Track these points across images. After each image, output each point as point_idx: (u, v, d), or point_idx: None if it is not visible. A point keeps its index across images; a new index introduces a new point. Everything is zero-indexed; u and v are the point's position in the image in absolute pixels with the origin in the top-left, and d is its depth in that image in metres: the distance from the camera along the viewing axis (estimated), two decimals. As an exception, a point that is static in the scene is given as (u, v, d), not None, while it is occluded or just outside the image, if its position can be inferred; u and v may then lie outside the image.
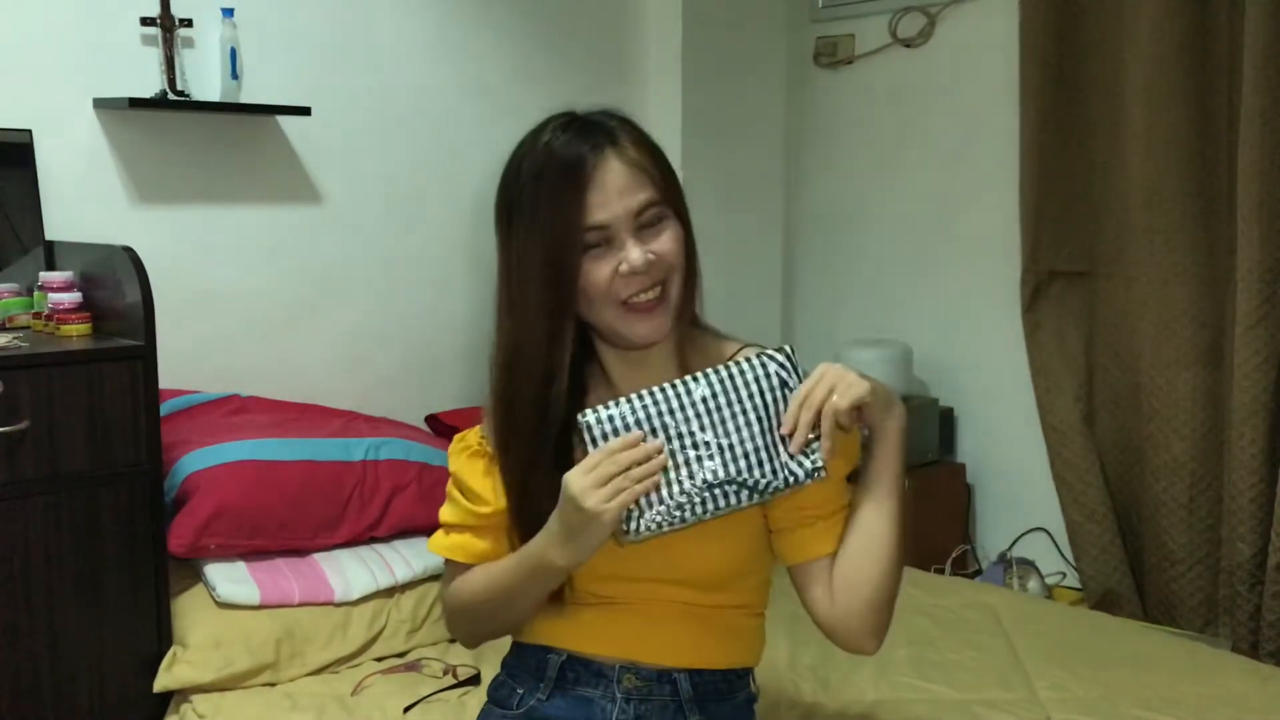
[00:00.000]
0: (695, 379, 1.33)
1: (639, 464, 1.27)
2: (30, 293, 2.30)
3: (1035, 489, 3.21)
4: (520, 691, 1.49)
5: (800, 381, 1.34)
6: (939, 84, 3.38)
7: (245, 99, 2.64)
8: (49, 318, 2.20)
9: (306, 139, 2.82)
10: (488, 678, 1.60)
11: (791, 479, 1.32)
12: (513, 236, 1.40)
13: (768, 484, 1.32)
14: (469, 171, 3.12)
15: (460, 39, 3.09)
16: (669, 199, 1.39)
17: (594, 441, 1.30)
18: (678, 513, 1.30)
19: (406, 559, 2.41)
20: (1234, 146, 2.71)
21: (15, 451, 1.96)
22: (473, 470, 1.48)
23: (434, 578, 2.40)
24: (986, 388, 3.37)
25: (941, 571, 3.09)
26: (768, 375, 1.34)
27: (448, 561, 1.52)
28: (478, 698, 1.61)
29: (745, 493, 1.32)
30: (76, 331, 2.17)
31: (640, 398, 1.32)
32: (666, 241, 1.38)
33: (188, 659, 2.12)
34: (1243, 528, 2.70)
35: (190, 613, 2.19)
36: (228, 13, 2.59)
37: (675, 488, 1.30)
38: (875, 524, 1.38)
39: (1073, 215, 3.06)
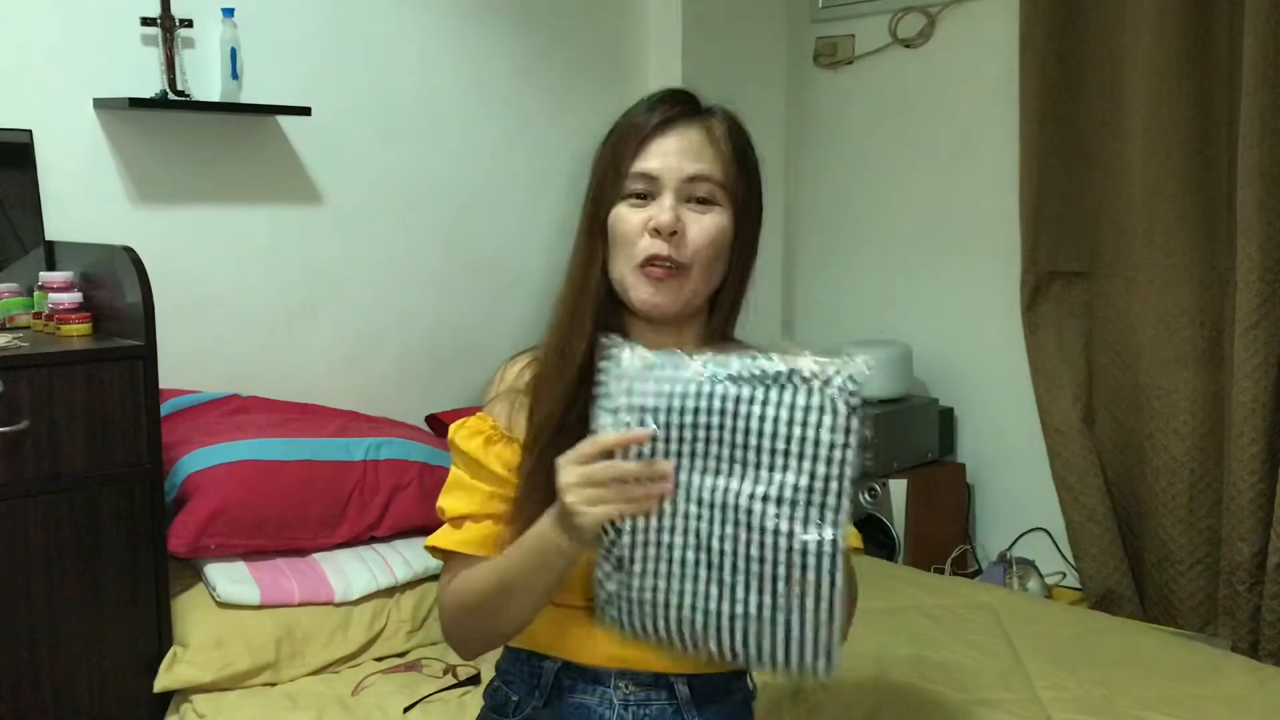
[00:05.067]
0: (756, 391, 1.16)
1: (638, 480, 1.18)
2: (30, 293, 2.30)
3: (1035, 489, 3.21)
4: (515, 699, 1.47)
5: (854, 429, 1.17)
6: (939, 84, 3.38)
7: (245, 99, 2.64)
8: (49, 318, 2.20)
9: (306, 139, 2.82)
10: (487, 678, 1.60)
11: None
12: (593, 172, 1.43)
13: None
14: (469, 171, 3.12)
15: (460, 39, 3.09)
16: (731, 189, 1.38)
17: (612, 381, 1.19)
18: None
19: (407, 559, 2.41)
20: (1234, 146, 2.71)
21: (15, 451, 1.96)
22: (491, 454, 1.40)
23: (434, 578, 2.40)
24: (986, 388, 3.37)
25: (941, 571, 3.09)
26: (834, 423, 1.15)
27: (450, 559, 1.41)
28: (477, 698, 1.61)
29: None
30: (77, 331, 2.17)
31: (678, 376, 1.18)
32: (704, 223, 1.36)
33: (188, 659, 2.12)
34: (1242, 527, 2.70)
35: (190, 612, 2.19)
36: (228, 13, 2.59)
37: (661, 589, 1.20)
38: None
39: (1072, 215, 3.06)
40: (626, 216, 1.36)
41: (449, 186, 3.09)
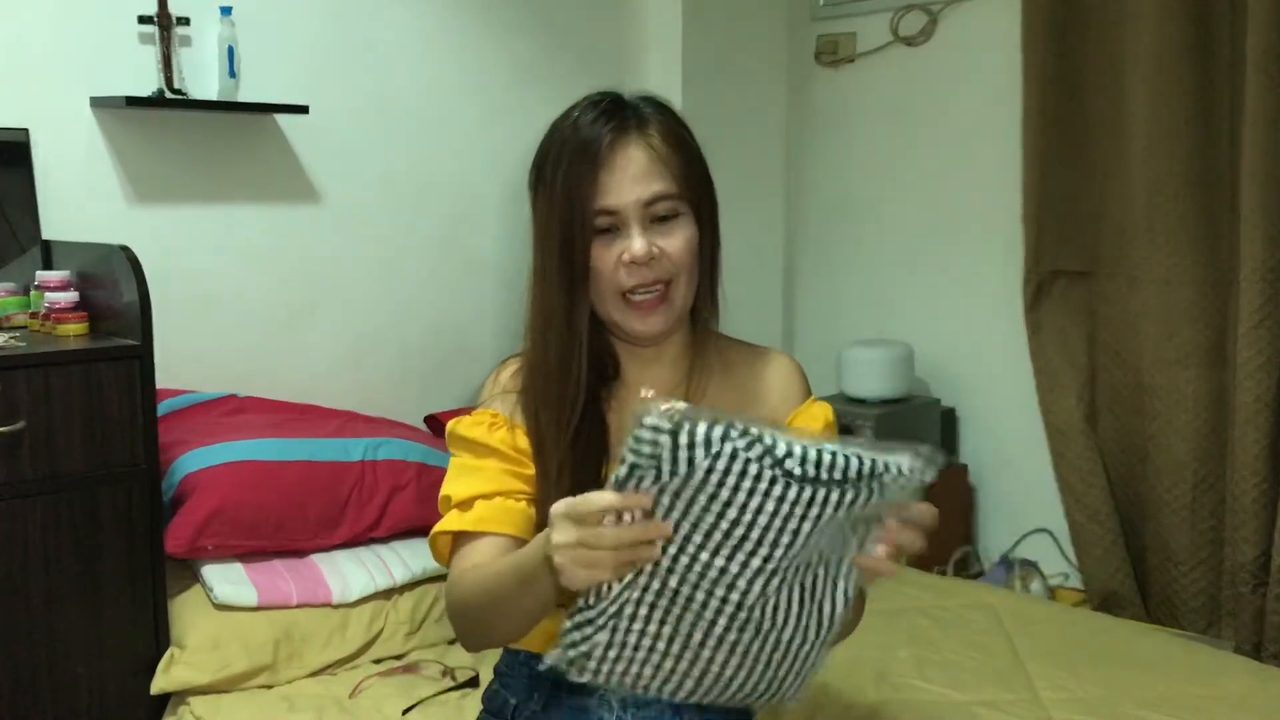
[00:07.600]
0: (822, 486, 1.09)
1: (632, 546, 1.09)
2: (27, 292, 2.29)
3: (1037, 490, 3.20)
4: (514, 702, 1.46)
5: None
6: (940, 83, 3.38)
7: (243, 98, 2.63)
8: (46, 317, 2.20)
9: (305, 138, 2.81)
10: (486, 679, 1.59)
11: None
12: (537, 207, 1.40)
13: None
14: (468, 171, 3.11)
15: (460, 38, 3.08)
16: (688, 197, 1.37)
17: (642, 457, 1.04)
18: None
19: (405, 560, 2.40)
20: (1236, 146, 2.70)
21: (13, 452, 1.96)
22: (495, 437, 1.40)
23: (433, 579, 2.39)
24: (988, 388, 3.36)
25: (944, 573, 3.08)
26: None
27: (459, 543, 1.37)
28: (476, 700, 1.60)
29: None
30: (73, 331, 2.16)
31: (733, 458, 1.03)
32: (675, 240, 1.36)
33: (185, 660, 2.12)
34: (1246, 528, 2.69)
35: (188, 614, 2.18)
36: (225, 11, 2.58)
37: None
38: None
39: (1074, 215, 3.05)
40: (599, 255, 1.35)
41: (448, 186, 3.08)
